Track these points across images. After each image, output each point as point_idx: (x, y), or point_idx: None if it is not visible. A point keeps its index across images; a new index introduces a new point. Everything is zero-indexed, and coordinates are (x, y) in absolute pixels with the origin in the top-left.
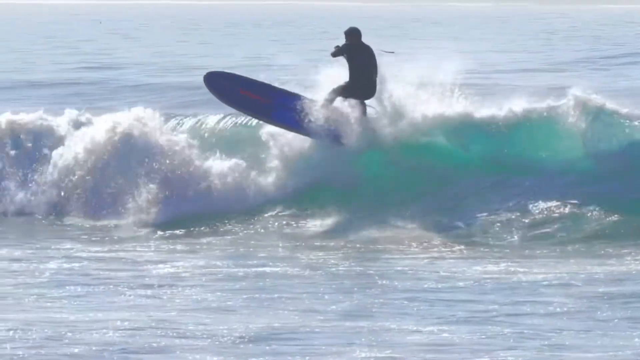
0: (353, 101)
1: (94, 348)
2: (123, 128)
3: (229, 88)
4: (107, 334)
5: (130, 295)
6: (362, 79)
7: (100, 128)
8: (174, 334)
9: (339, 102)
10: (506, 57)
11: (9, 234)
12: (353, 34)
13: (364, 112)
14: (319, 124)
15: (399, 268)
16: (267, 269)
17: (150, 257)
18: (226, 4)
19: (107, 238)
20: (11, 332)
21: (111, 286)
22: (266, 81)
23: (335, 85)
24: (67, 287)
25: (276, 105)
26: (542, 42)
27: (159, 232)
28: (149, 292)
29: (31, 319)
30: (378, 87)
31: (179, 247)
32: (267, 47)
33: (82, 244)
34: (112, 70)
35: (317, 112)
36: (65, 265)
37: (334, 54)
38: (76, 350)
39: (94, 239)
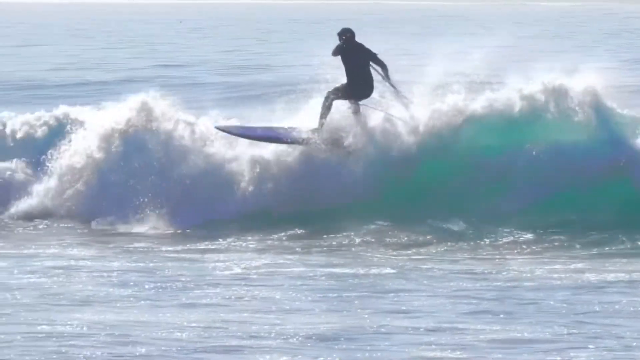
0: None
1: (162, 348)
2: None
3: (235, 134)
4: (175, 334)
5: (198, 296)
6: (358, 79)
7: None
8: (243, 334)
9: (338, 102)
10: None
11: (67, 234)
12: (345, 35)
13: (357, 111)
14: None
15: (465, 268)
16: (337, 270)
17: (217, 257)
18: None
19: (170, 238)
20: (81, 332)
21: (179, 285)
22: (259, 125)
23: (336, 85)
24: (135, 287)
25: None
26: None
27: (223, 232)
28: (217, 291)
29: (100, 320)
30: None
31: (247, 246)
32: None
33: (148, 243)
34: (186, 68)
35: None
36: (132, 265)
37: (333, 53)
38: (143, 350)
39: (157, 238)
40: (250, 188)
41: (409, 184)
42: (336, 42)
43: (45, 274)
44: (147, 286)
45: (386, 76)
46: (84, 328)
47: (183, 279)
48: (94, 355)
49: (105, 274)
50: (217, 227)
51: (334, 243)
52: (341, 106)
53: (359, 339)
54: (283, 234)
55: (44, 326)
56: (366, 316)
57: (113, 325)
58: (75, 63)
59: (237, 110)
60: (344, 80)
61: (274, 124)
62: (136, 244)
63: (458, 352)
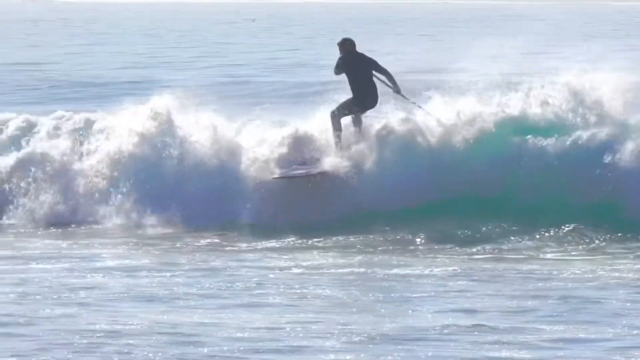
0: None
1: (225, 348)
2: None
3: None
4: (239, 334)
5: (262, 295)
6: (363, 90)
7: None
8: (307, 334)
9: (346, 118)
10: None
11: (123, 236)
12: (346, 45)
13: (359, 123)
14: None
15: (529, 267)
16: (399, 270)
17: (280, 256)
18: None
19: (230, 239)
20: (143, 331)
21: (242, 285)
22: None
23: (340, 102)
24: (198, 288)
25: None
26: None
27: (284, 232)
28: (280, 291)
29: (165, 320)
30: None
31: (310, 245)
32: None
33: (210, 243)
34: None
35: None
36: (195, 265)
37: (337, 73)
38: (205, 351)
39: (217, 240)
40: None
41: (467, 185)
42: (337, 53)
43: (108, 273)
44: (209, 285)
45: (393, 85)
46: (146, 327)
47: (246, 279)
48: (157, 356)
49: (167, 274)
50: (277, 227)
51: (396, 243)
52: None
53: (423, 339)
54: (343, 234)
55: (105, 325)
56: (429, 316)
57: (177, 325)
58: (142, 62)
59: (287, 109)
60: (345, 96)
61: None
62: (198, 244)
63: (522, 352)
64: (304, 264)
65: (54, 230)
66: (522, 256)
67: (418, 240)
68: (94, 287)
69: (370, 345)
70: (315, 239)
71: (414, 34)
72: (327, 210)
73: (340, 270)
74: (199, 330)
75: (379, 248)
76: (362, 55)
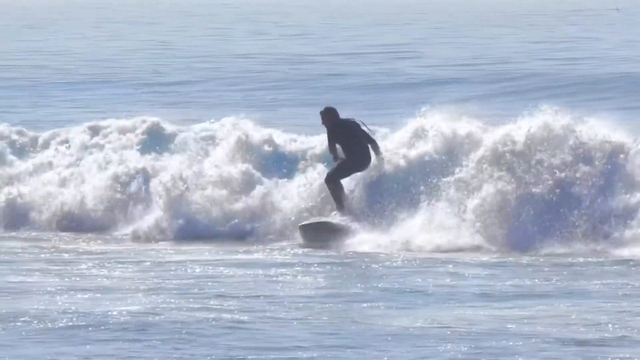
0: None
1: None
2: None
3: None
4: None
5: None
6: (357, 154)
7: None
8: None
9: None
10: None
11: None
12: (329, 115)
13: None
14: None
15: (606, 268)
16: None
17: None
18: None
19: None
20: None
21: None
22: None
23: (333, 168)
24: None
25: None
26: None
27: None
28: None
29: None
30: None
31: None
32: None
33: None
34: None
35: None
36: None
37: (333, 154)
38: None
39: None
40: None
41: None
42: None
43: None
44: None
45: (377, 153)
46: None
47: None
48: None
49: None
50: None
51: None
52: None
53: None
54: None
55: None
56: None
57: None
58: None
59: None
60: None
61: None
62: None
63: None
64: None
65: None
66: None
67: None
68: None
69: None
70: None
71: None
72: None
73: None
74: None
75: None
76: (347, 122)
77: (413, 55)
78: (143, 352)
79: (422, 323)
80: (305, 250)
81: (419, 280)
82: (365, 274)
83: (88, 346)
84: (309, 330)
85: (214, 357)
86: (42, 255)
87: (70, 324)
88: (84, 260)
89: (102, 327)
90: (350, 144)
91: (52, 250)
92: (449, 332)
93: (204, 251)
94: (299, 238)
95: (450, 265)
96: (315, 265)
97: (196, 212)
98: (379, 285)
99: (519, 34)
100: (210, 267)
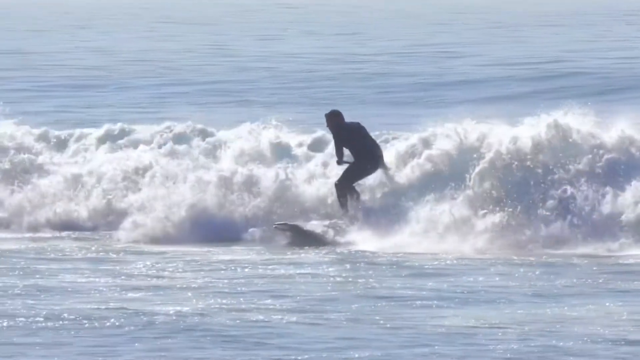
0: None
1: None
2: None
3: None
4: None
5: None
6: (368, 156)
7: None
8: None
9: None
10: None
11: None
12: (333, 119)
13: (358, 197)
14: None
15: None
16: None
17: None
18: None
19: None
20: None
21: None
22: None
23: (342, 174)
24: None
25: None
26: None
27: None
28: None
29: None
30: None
31: None
32: None
33: None
34: None
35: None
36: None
37: (339, 158)
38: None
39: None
40: None
41: None
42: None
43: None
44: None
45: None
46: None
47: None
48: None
49: None
50: None
51: None
52: None
53: None
54: None
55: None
56: None
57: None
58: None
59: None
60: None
61: None
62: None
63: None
64: None
65: None
66: None
67: None
68: None
69: None
70: None
71: None
72: None
73: None
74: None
75: None
76: (352, 124)
77: (467, 54)
78: (192, 353)
79: (474, 323)
80: (353, 250)
81: (470, 279)
82: (415, 274)
83: (137, 344)
84: (361, 330)
85: (259, 357)
86: (92, 255)
87: (119, 323)
88: (134, 260)
89: (151, 327)
90: (357, 146)
91: (101, 249)
92: (500, 333)
93: (250, 251)
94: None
95: (500, 265)
96: (364, 264)
97: (246, 214)
98: (429, 285)
99: (573, 33)
100: (260, 267)
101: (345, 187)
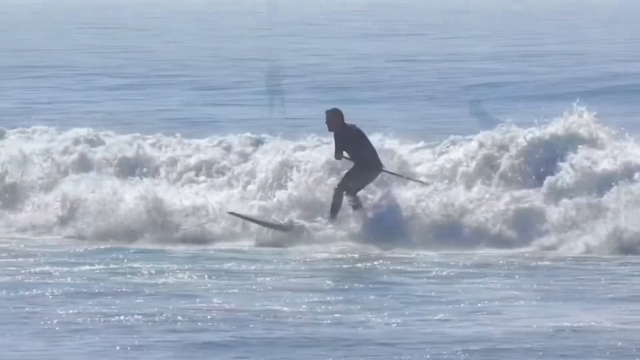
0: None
1: None
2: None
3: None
4: None
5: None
6: (366, 160)
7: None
8: None
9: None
10: None
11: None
12: (336, 118)
13: (359, 205)
14: None
15: None
16: None
17: None
18: None
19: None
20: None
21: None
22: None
23: (342, 179)
24: None
25: None
26: None
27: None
28: None
29: None
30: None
31: None
32: None
33: None
34: None
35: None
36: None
37: (338, 155)
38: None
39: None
40: None
41: None
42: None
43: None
44: None
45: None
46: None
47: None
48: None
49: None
50: None
51: None
52: None
53: None
54: None
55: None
56: None
57: None
58: None
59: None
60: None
61: None
62: None
63: None
64: None
65: None
66: None
67: None
68: None
69: None
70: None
71: None
72: None
73: None
74: None
75: None
76: (352, 127)
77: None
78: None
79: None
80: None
81: (569, 279)
82: (507, 274)
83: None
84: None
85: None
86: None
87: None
88: (228, 260)
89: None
90: (359, 149)
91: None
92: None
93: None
94: None
95: (602, 264)
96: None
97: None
98: (524, 286)
99: None
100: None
101: (343, 191)
